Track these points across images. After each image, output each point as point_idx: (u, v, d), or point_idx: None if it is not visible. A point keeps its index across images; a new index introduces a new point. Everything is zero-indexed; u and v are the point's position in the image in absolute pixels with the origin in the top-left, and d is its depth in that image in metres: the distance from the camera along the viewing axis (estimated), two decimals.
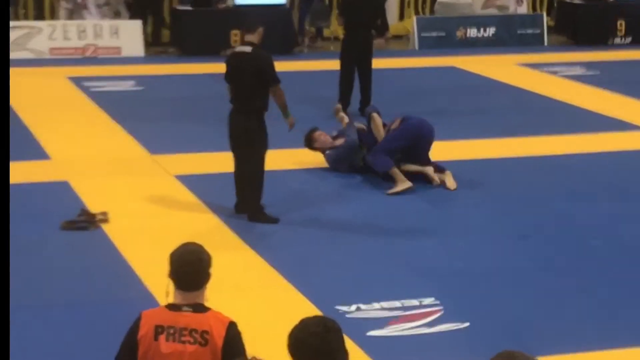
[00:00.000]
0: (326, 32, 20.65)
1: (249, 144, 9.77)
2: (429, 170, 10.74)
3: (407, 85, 16.21)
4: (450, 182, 10.64)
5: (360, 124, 11.40)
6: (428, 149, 10.88)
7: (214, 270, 4.69)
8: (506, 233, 9.42)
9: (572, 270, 8.51)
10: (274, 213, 9.77)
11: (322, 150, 11.45)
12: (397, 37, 21.52)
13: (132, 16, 19.55)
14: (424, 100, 14.61)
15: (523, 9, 21.66)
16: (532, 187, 10.88)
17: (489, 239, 9.26)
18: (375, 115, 11.26)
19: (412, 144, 10.79)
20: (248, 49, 9.88)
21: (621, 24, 21.25)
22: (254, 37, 9.93)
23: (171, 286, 4.61)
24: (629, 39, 21.28)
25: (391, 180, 10.59)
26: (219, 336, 4.51)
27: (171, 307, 4.60)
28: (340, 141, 11.33)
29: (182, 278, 4.60)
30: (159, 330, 4.53)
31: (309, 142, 11.50)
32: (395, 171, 10.59)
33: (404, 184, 10.47)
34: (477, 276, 8.35)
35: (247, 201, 9.78)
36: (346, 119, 11.60)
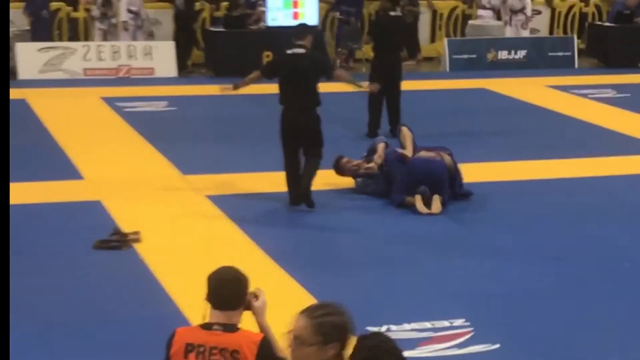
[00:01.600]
0: (358, 54, 20.73)
1: (313, 138, 10.65)
2: (417, 200, 10.71)
3: (437, 107, 16.25)
4: (436, 206, 10.60)
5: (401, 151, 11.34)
6: (440, 184, 10.83)
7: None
8: (536, 254, 9.42)
9: (602, 292, 8.50)
10: (304, 234, 9.85)
11: (353, 176, 11.48)
12: (429, 59, 21.63)
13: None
14: (455, 122, 14.67)
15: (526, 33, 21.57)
16: (562, 208, 10.87)
17: (519, 260, 9.27)
18: (405, 129, 11.28)
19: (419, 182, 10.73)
20: (302, 50, 10.85)
21: None
22: (305, 42, 10.89)
23: (208, 309, 4.69)
24: None
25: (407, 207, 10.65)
26: (251, 354, 4.56)
27: (204, 326, 4.67)
28: (369, 165, 11.29)
29: (220, 298, 4.66)
30: (189, 348, 4.60)
31: (338, 170, 11.54)
32: (408, 200, 10.65)
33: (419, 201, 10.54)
34: (507, 297, 8.36)
35: (305, 191, 10.61)
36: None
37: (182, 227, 10.12)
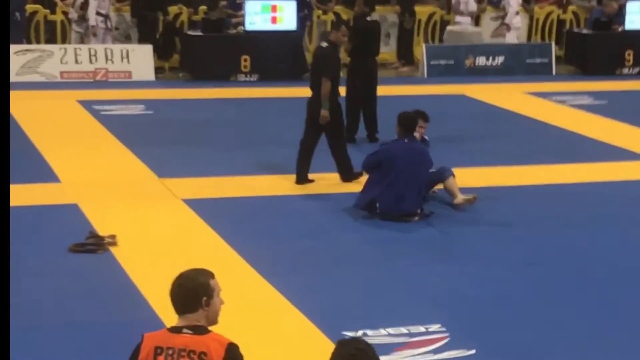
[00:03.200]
0: None
1: (332, 123, 11.80)
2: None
3: None
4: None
5: None
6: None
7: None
8: (514, 260, 9.44)
9: (578, 298, 8.52)
10: (281, 238, 9.86)
11: None
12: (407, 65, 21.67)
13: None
14: (433, 127, 14.60)
15: (512, 38, 21.61)
16: (540, 214, 10.90)
17: (496, 265, 9.28)
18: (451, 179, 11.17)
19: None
20: (324, 44, 12.06)
21: (629, 54, 21.32)
22: (333, 35, 11.96)
23: None
24: (636, 69, 21.34)
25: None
26: (217, 356, 4.58)
27: (172, 329, 4.71)
28: None
29: (174, 302, 4.75)
30: (158, 351, 4.63)
31: None
32: None
33: None
34: (484, 303, 8.37)
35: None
36: None
37: (159, 231, 10.09)
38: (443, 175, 11.04)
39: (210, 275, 4.77)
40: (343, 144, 12.04)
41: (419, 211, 10.58)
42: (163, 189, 11.56)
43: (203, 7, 20.29)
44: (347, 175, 11.88)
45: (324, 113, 11.70)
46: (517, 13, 21.52)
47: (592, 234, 10.29)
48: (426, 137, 11.56)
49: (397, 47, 21.64)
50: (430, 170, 10.89)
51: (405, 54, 21.51)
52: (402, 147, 10.60)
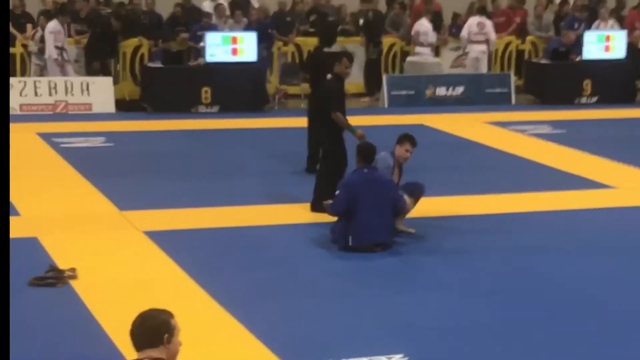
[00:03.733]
0: (296, 90, 20.80)
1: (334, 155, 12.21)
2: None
3: (376, 143, 16.24)
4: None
5: None
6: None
7: (181, 327, 4.73)
8: (476, 289, 9.45)
9: (542, 327, 8.54)
10: (243, 269, 9.84)
11: None
12: (360, 96, 21.79)
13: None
14: None
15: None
16: (500, 243, 10.93)
17: (459, 295, 9.29)
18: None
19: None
20: (329, 77, 12.37)
21: (587, 84, 21.56)
22: (337, 68, 12.17)
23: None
24: (594, 99, 21.58)
25: None
26: None
27: None
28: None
29: (135, 339, 4.80)
30: None
31: None
32: None
33: None
34: (447, 332, 8.37)
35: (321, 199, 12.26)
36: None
37: (119, 264, 10.03)
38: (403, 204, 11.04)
39: (171, 314, 4.82)
40: (332, 178, 11.62)
41: (388, 242, 10.58)
42: (124, 222, 11.50)
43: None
44: (318, 208, 11.69)
45: (359, 133, 12.02)
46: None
47: (554, 262, 10.33)
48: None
49: (364, 77, 21.78)
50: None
51: (371, 85, 21.60)
52: (361, 178, 10.61)
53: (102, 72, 19.92)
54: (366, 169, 10.68)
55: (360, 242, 10.43)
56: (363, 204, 10.42)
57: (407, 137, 11.37)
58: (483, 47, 21.74)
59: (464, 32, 21.85)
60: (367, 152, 10.84)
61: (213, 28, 20.47)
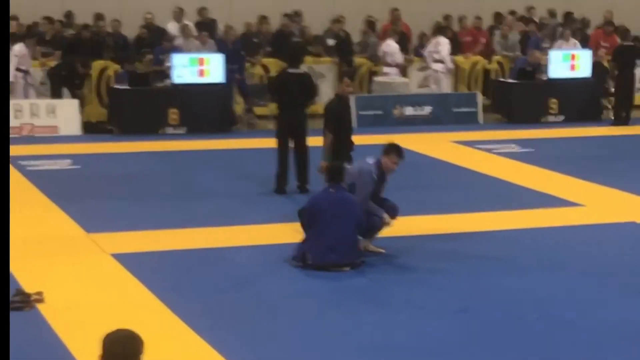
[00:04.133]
0: (264, 111, 20.78)
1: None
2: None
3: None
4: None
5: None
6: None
7: (151, 350, 4.66)
8: (445, 308, 9.43)
9: (509, 345, 8.54)
10: (211, 291, 9.78)
11: None
12: None
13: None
14: None
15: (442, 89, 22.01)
16: (469, 261, 10.93)
17: (428, 314, 9.27)
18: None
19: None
20: (332, 97, 13.04)
21: (554, 103, 21.69)
22: (338, 88, 12.86)
23: None
24: (561, 117, 21.70)
25: None
26: None
27: None
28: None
29: (113, 357, 4.66)
30: None
31: None
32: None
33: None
34: (417, 352, 8.34)
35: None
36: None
37: (87, 287, 9.94)
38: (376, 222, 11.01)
39: (139, 338, 4.76)
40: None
41: (351, 262, 10.55)
42: (91, 244, 11.41)
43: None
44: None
45: (322, 164, 12.14)
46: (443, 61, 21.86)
47: (523, 280, 10.33)
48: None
49: None
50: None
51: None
52: (326, 198, 10.60)
53: (72, 94, 19.82)
54: (332, 189, 10.66)
55: (318, 260, 10.41)
56: (324, 224, 10.41)
57: (393, 148, 11.18)
58: (439, 65, 21.93)
59: (425, 52, 22.12)
60: (335, 172, 10.82)
61: (175, 50, 20.39)
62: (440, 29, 22.60)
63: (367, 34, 22.98)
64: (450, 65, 22.27)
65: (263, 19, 22.95)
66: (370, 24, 23.12)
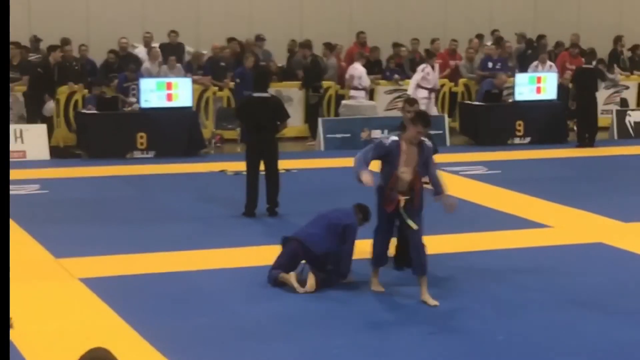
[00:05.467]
0: (232, 134, 20.81)
1: None
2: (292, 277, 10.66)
3: (312, 186, 16.36)
4: (310, 284, 10.58)
5: None
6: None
7: None
8: (416, 329, 9.46)
9: None
10: (181, 315, 9.77)
11: None
12: (303, 139, 21.87)
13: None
14: (329, 200, 14.76)
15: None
16: (436, 283, 10.91)
17: (398, 335, 9.30)
18: None
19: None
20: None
21: (520, 125, 21.85)
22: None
23: None
24: (527, 139, 21.86)
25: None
26: None
27: None
28: None
29: None
30: None
31: None
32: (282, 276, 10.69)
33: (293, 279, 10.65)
34: None
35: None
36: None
37: (56, 312, 9.90)
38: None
39: (112, 354, 4.75)
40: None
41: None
42: (59, 269, 11.37)
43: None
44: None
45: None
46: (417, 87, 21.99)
47: (488, 301, 10.38)
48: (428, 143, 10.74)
49: (307, 122, 21.91)
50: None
51: (312, 129, 21.73)
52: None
53: (41, 119, 19.77)
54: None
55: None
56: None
57: (419, 117, 10.41)
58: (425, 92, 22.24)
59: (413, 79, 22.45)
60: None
61: (139, 77, 20.34)
62: (429, 54, 22.78)
63: (327, 57, 23.08)
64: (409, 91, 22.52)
65: (230, 42, 23.02)
66: (329, 46, 23.19)
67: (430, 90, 22.32)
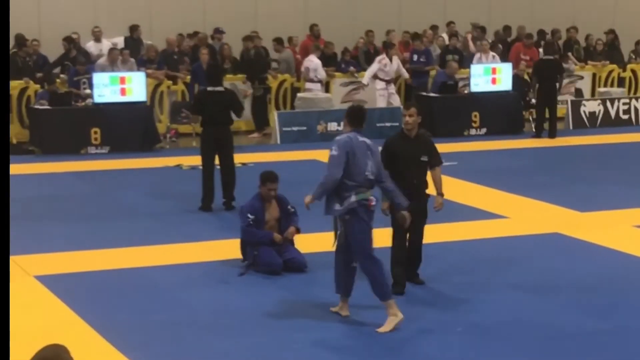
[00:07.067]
0: (187, 129, 20.67)
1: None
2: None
3: None
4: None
5: None
6: None
7: None
8: (374, 321, 9.43)
9: (433, 357, 8.57)
10: (137, 311, 9.67)
11: None
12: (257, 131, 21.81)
13: None
14: (286, 193, 14.70)
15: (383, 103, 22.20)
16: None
17: (357, 328, 9.26)
18: None
19: None
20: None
21: (475, 116, 21.91)
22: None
23: None
24: (483, 130, 21.93)
25: None
26: None
27: None
28: None
29: None
30: None
31: None
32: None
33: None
34: None
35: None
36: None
37: (11, 310, 9.74)
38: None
39: (67, 351, 4.69)
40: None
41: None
42: (14, 266, 11.21)
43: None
44: None
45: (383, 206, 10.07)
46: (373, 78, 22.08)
47: (449, 292, 10.38)
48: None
49: (252, 114, 21.78)
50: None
51: (259, 121, 21.67)
52: None
53: None
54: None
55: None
56: None
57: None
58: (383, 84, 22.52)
59: (370, 70, 22.57)
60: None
61: (89, 70, 20.16)
62: (387, 46, 22.79)
63: (278, 51, 23.01)
64: (406, 76, 22.85)
65: (180, 36, 22.89)
66: (280, 41, 23.11)
67: (388, 82, 22.35)
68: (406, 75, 22.95)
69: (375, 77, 22.21)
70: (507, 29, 26.29)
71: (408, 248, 10.51)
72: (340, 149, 9.34)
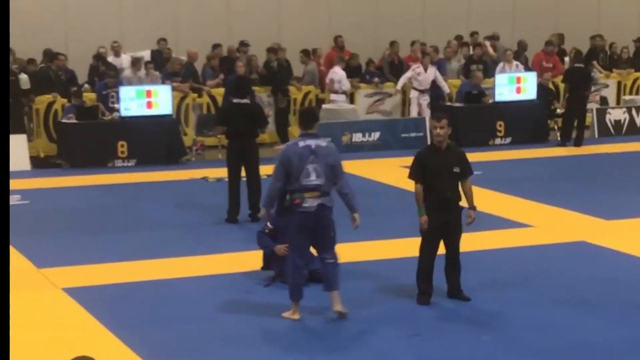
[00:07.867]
0: (213, 141, 20.76)
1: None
2: None
3: None
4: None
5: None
6: None
7: None
8: (398, 330, 9.46)
9: None
10: (164, 323, 9.73)
11: None
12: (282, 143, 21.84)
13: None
14: None
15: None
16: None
17: (382, 336, 9.30)
18: None
19: None
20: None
21: (500, 125, 21.89)
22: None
23: None
24: (508, 139, 21.91)
25: None
26: None
27: None
28: None
29: None
30: None
31: None
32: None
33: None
34: None
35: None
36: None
37: (39, 322, 9.86)
38: None
39: None
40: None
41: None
42: (42, 279, 11.33)
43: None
44: None
45: (421, 220, 10.33)
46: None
47: (475, 301, 10.37)
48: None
49: (275, 126, 21.83)
50: None
51: (281, 133, 21.71)
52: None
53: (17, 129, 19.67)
54: None
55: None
56: None
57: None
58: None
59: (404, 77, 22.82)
60: None
61: (118, 84, 20.28)
62: (422, 54, 22.92)
63: (304, 63, 23.07)
64: (447, 90, 22.85)
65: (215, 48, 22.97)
66: (306, 52, 23.19)
67: (422, 91, 22.37)
68: (447, 89, 22.80)
69: (412, 85, 22.43)
70: (561, 37, 26.17)
71: (445, 264, 10.42)
72: (278, 160, 9.95)
